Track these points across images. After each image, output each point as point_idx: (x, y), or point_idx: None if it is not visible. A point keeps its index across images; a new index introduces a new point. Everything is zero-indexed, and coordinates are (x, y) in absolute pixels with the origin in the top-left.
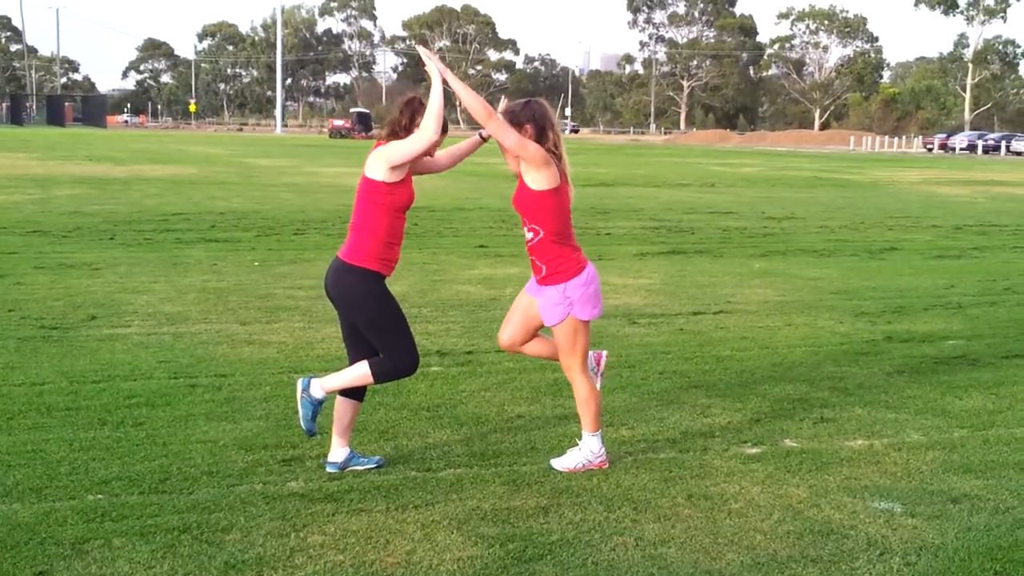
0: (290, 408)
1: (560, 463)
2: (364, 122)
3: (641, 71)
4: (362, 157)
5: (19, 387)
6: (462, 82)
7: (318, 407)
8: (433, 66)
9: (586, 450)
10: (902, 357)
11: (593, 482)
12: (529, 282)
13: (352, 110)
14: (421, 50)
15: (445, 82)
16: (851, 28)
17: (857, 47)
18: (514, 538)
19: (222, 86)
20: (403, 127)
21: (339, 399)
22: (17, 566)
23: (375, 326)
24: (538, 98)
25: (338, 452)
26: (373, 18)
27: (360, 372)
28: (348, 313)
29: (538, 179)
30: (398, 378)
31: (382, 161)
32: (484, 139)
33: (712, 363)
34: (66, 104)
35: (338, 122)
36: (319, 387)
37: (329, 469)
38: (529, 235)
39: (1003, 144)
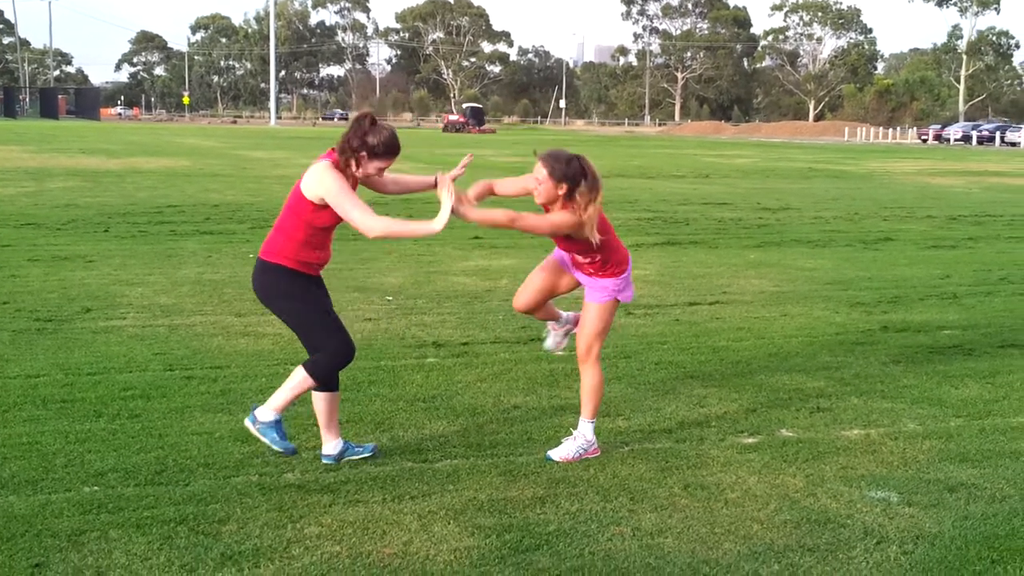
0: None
1: (558, 453)
2: (477, 116)
3: (635, 63)
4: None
5: (14, 379)
6: (477, 210)
7: (279, 426)
8: (447, 199)
9: (581, 438)
10: (898, 347)
11: (590, 472)
12: (562, 256)
13: (465, 105)
14: (441, 183)
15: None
16: (845, 19)
17: (851, 38)
18: (511, 528)
19: (215, 78)
20: (353, 148)
21: (313, 396)
22: (13, 558)
23: (294, 323)
24: (583, 157)
25: (330, 445)
26: (366, 10)
27: (298, 379)
28: (272, 311)
29: (587, 234)
30: (336, 370)
31: (319, 189)
32: (434, 185)
33: (708, 353)
34: (59, 97)
35: (452, 117)
36: (267, 410)
37: (325, 462)
38: (587, 259)
39: (998, 134)
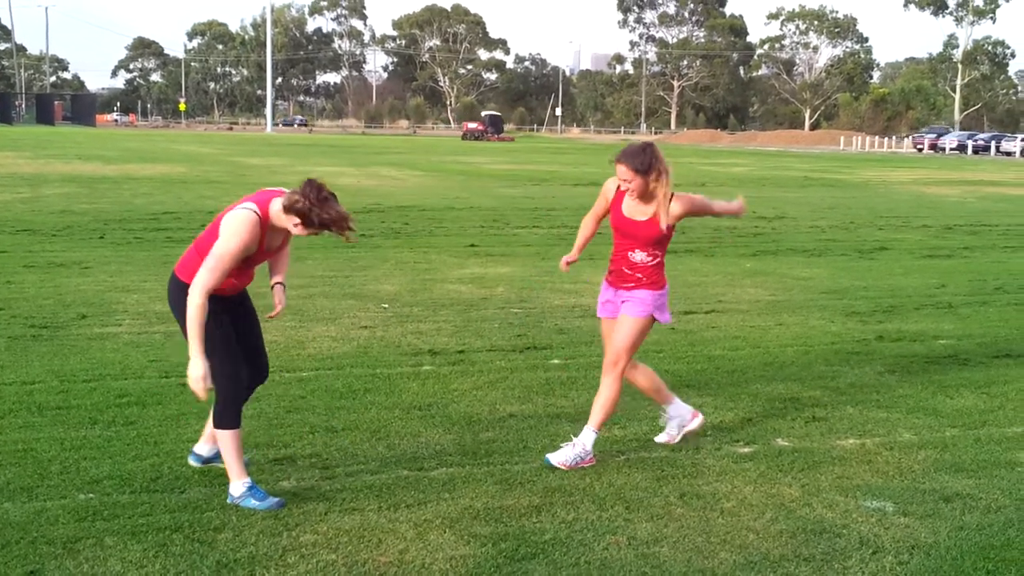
0: (281, 407)
1: (556, 458)
2: (496, 124)
3: (631, 71)
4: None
5: (9, 386)
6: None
7: (254, 490)
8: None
9: (580, 447)
10: (893, 356)
11: (586, 481)
12: (603, 307)
13: (484, 113)
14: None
15: None
16: (841, 28)
17: (847, 47)
18: (507, 537)
19: (212, 85)
20: (297, 210)
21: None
22: (8, 565)
23: None
24: (651, 144)
25: (204, 447)
26: (363, 17)
27: (225, 437)
28: (180, 327)
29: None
30: (233, 407)
31: (220, 239)
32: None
33: (704, 362)
34: (55, 103)
35: (472, 125)
36: (235, 484)
37: (192, 461)
38: (648, 259)
39: (993, 144)
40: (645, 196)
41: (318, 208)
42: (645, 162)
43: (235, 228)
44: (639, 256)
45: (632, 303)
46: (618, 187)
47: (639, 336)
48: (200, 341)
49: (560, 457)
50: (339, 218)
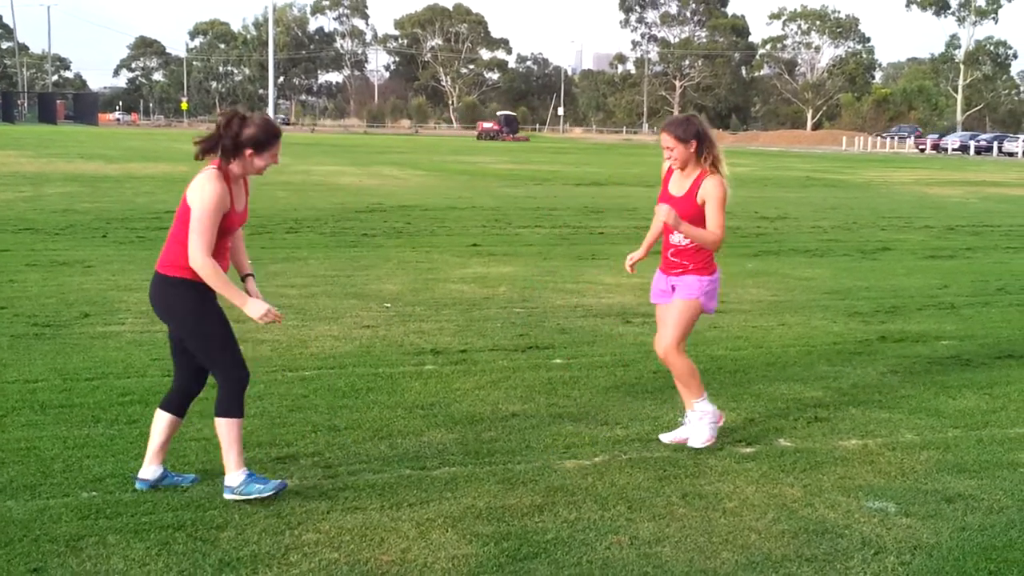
0: (284, 406)
1: (696, 442)
2: (511, 124)
3: (633, 71)
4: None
5: (12, 384)
6: (691, 228)
7: (252, 477)
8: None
9: (706, 416)
10: (896, 357)
11: (588, 481)
12: (656, 292)
13: (499, 113)
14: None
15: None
16: (843, 28)
17: (849, 47)
18: (509, 536)
19: (214, 84)
20: (227, 149)
21: (158, 415)
22: (11, 563)
23: (199, 344)
24: (695, 114)
25: (149, 470)
26: (365, 17)
27: (222, 427)
28: (174, 327)
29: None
30: (240, 395)
31: (194, 204)
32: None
33: (706, 362)
34: (58, 102)
35: (487, 125)
36: (232, 476)
37: (139, 487)
38: (686, 241)
39: (995, 145)
40: (688, 169)
41: (250, 125)
42: (689, 131)
43: (201, 184)
44: (677, 237)
45: (681, 287)
46: (669, 167)
47: (689, 321)
48: (234, 289)
49: (700, 437)
50: (263, 122)
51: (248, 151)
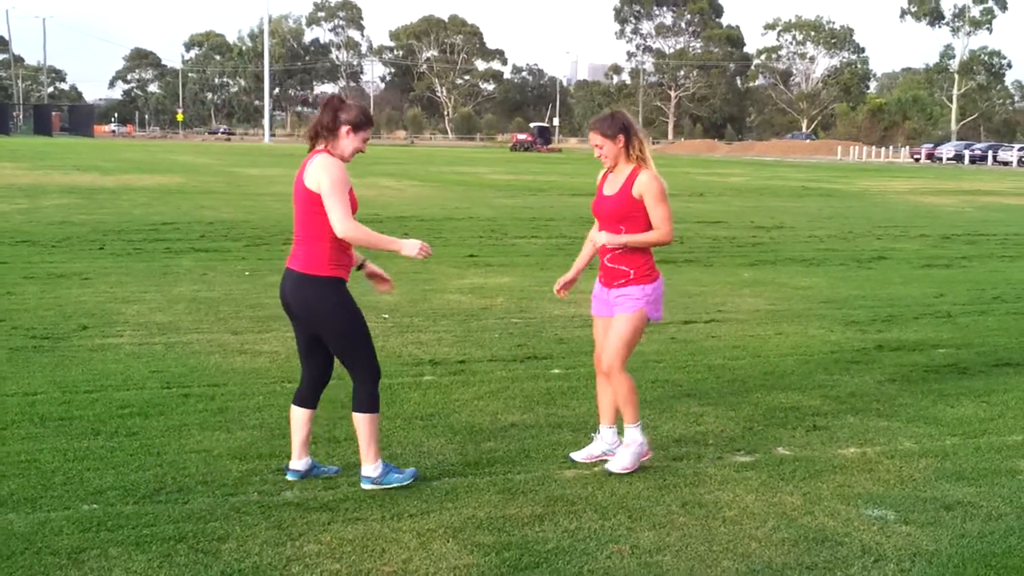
0: (283, 418)
1: (615, 466)
2: (544, 135)
3: (629, 81)
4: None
5: (11, 397)
6: (639, 237)
7: (387, 467)
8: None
9: (633, 444)
10: (893, 365)
11: (588, 490)
12: (596, 304)
13: (532, 125)
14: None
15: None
16: (837, 39)
17: (844, 58)
18: (510, 546)
19: (209, 95)
20: (326, 126)
21: (294, 411)
22: None
23: (342, 342)
24: (620, 109)
25: (370, 467)
26: (360, 28)
27: (363, 422)
28: (312, 325)
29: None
30: (376, 391)
31: (322, 181)
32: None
33: (704, 372)
34: (53, 114)
35: (521, 136)
36: (368, 467)
37: (290, 477)
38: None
39: (990, 154)
40: (619, 166)
41: (349, 106)
42: (615, 126)
43: (321, 166)
44: (610, 241)
45: (623, 300)
46: (604, 173)
47: (632, 331)
48: (384, 238)
49: (622, 463)
50: (365, 107)
51: (346, 128)
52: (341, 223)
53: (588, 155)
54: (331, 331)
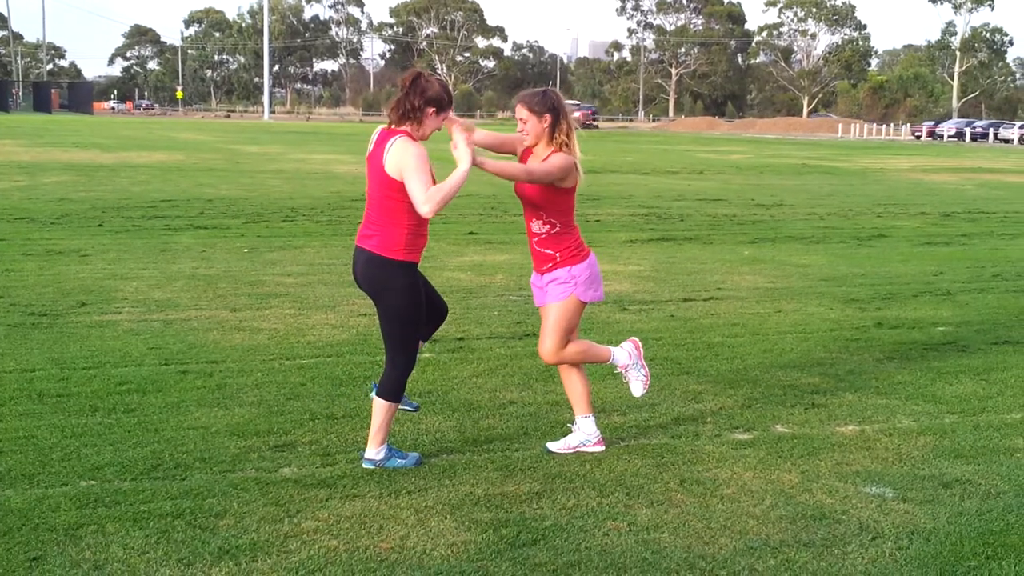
0: (281, 394)
1: (556, 445)
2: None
3: (629, 58)
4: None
5: (10, 374)
6: (493, 161)
7: (390, 450)
8: (463, 149)
9: (581, 433)
10: (892, 343)
11: (586, 468)
12: (536, 294)
13: (569, 102)
14: (455, 128)
15: (475, 164)
16: (839, 16)
17: (845, 35)
18: (507, 523)
19: (209, 73)
20: (415, 107)
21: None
22: (11, 552)
23: (392, 321)
24: (553, 88)
25: (374, 451)
26: (360, 5)
27: (382, 409)
28: (376, 300)
29: (564, 180)
30: (403, 383)
31: (405, 167)
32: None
33: (703, 349)
34: (52, 91)
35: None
36: (376, 451)
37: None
38: (544, 228)
39: (991, 131)
40: (540, 147)
41: (434, 83)
42: (545, 103)
43: (403, 149)
44: (536, 226)
45: (553, 288)
46: (526, 149)
47: (565, 317)
48: (455, 182)
49: (560, 444)
50: (446, 84)
51: (431, 109)
52: (424, 206)
53: (588, 132)
54: (388, 310)
